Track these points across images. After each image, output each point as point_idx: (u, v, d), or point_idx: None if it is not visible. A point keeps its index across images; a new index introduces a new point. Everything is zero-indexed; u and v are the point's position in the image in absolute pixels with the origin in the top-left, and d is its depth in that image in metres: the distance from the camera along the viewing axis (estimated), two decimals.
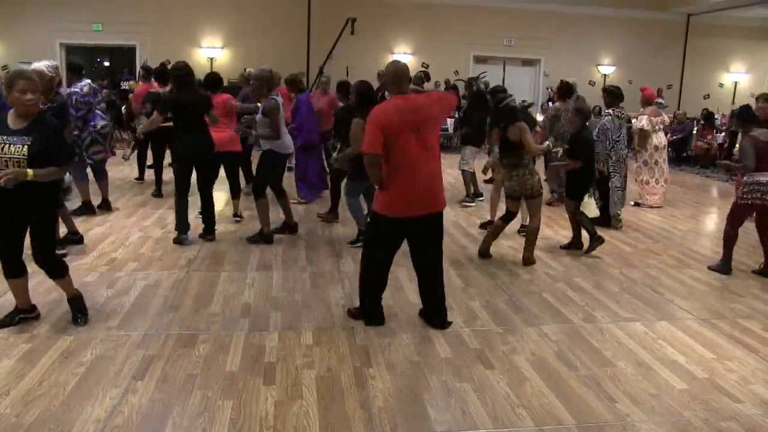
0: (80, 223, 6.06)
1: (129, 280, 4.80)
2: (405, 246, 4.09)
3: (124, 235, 6.04)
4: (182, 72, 5.63)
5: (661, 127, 8.29)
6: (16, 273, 3.77)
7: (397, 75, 3.80)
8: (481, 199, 8.25)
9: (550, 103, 9.31)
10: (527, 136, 5.38)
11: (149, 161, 8.58)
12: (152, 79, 8.47)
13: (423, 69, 12.35)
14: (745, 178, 5.32)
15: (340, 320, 4.17)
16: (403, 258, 5.70)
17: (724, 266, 5.54)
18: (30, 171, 3.47)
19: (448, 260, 5.56)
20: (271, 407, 3.05)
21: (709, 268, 5.63)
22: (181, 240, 5.77)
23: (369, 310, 4.13)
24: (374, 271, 4.04)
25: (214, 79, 6.72)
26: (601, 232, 6.03)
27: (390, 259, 4.05)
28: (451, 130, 13.75)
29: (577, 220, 5.97)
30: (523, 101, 7.99)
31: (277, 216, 6.27)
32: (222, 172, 6.44)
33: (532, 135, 5.91)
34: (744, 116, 5.60)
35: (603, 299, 4.78)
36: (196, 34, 15.83)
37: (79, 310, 3.96)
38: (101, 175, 6.85)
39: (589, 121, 6.07)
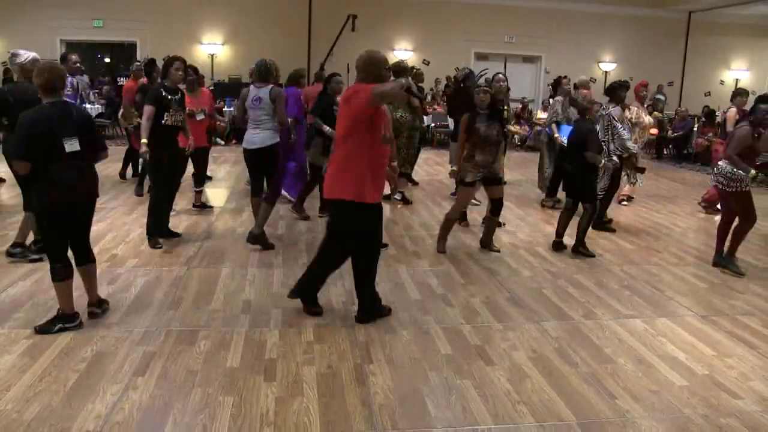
0: None
1: (129, 276, 4.81)
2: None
3: (125, 232, 6.04)
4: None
5: (631, 124, 7.77)
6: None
7: (358, 62, 3.92)
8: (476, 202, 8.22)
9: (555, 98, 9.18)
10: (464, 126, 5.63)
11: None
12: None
13: (416, 67, 12.18)
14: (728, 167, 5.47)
15: (340, 317, 4.18)
16: (404, 255, 5.73)
17: (721, 260, 5.66)
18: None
19: (449, 256, 5.61)
20: (271, 404, 3.06)
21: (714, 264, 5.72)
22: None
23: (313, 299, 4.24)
24: (343, 260, 4.15)
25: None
26: (597, 232, 6.08)
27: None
28: (451, 127, 13.68)
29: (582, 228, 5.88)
30: (482, 72, 7.29)
31: (274, 220, 6.24)
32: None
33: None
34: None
35: (603, 296, 4.78)
36: (196, 31, 15.81)
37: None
38: None
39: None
